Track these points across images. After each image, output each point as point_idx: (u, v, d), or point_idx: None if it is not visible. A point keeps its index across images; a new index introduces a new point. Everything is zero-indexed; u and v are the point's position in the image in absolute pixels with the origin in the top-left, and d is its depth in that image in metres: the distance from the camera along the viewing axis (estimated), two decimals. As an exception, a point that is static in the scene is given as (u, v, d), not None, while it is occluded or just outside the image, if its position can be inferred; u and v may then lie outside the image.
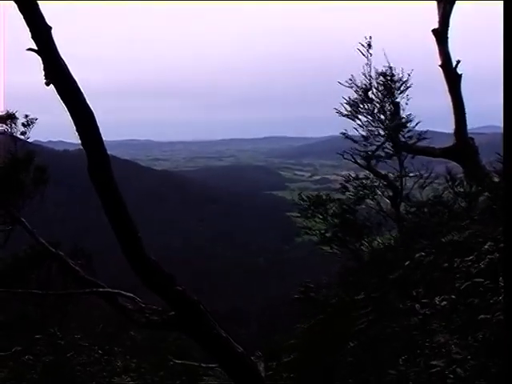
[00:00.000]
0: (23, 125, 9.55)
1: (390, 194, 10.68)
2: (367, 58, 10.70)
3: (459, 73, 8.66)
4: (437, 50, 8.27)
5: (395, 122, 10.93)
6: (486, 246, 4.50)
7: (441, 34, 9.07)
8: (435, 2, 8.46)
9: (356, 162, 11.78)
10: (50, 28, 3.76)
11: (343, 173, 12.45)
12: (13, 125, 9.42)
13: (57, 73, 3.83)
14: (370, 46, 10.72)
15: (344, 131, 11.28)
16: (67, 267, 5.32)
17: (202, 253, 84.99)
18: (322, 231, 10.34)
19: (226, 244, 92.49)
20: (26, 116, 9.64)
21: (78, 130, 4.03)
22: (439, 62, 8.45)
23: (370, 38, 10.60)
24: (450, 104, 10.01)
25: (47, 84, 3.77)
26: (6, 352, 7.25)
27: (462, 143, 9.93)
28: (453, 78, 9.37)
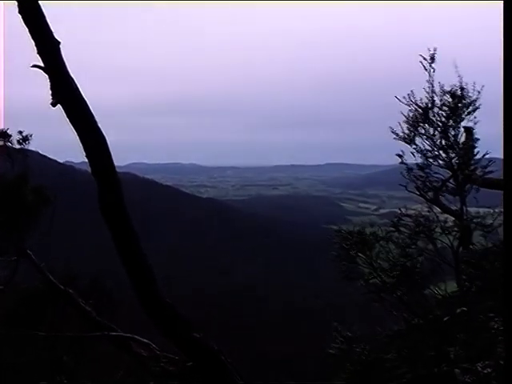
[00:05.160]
0: (18, 142, 9.49)
1: (456, 235, 10.31)
2: (429, 73, 10.49)
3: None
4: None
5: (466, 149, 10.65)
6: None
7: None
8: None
9: (422, 196, 11.49)
10: (59, 43, 3.72)
11: (414, 206, 12.16)
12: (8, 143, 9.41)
13: (65, 93, 3.87)
14: (433, 59, 10.54)
15: (402, 160, 11.00)
16: (77, 307, 5.40)
17: (252, 292, 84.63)
18: (367, 277, 10.03)
19: (279, 283, 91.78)
20: (20, 132, 9.58)
21: (87, 156, 4.11)
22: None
23: (435, 50, 10.42)
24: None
25: (53, 104, 3.85)
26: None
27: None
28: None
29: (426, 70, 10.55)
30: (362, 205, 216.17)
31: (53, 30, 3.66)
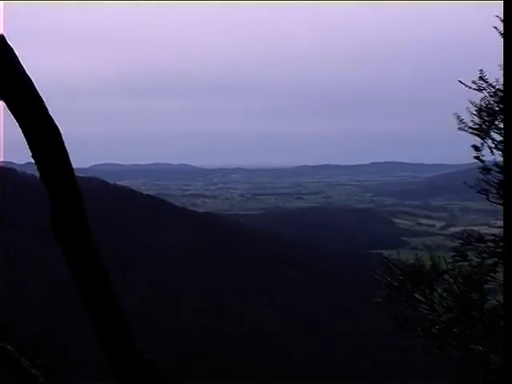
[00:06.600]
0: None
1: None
2: None
3: None
4: None
5: None
6: None
7: None
8: None
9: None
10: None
11: (500, 223, 12.05)
12: None
13: (1, 67, 3.71)
14: None
15: (479, 156, 10.88)
16: (18, 370, 5.36)
17: (273, 346, 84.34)
18: (429, 323, 9.96)
19: (310, 333, 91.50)
20: None
21: (34, 157, 4.07)
22: None
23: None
24: None
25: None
26: None
27: None
28: None
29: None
30: (423, 221, 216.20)
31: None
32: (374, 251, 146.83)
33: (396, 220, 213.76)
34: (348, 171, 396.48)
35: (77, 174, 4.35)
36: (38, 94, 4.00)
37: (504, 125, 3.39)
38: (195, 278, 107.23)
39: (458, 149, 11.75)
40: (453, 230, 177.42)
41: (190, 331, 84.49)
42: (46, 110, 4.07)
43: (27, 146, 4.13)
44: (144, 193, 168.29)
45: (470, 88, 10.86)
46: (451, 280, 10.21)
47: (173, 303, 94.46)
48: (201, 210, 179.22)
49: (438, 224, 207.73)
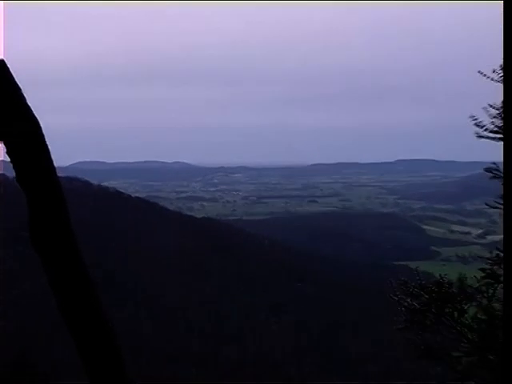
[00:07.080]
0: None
1: None
2: None
3: None
4: None
5: None
6: None
7: None
8: None
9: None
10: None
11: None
12: None
13: None
14: None
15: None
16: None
17: (280, 372, 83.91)
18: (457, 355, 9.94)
19: (326, 359, 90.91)
20: None
21: (9, 154, 4.06)
22: None
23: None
24: None
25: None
26: None
27: None
28: None
29: None
30: (457, 228, 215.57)
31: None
32: (399, 263, 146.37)
33: (425, 227, 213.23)
34: (369, 170, 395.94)
35: (57, 173, 4.34)
36: (14, 80, 4.02)
37: (504, 122, 3.51)
38: (192, 292, 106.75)
39: (497, 144, 11.67)
40: (491, 237, 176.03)
41: (186, 352, 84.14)
42: (25, 99, 4.09)
43: (1, 141, 4.14)
44: (133, 195, 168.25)
45: (492, 80, 10.79)
46: (483, 302, 10.17)
47: (166, 321, 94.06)
48: (198, 215, 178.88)
49: (475, 231, 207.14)
